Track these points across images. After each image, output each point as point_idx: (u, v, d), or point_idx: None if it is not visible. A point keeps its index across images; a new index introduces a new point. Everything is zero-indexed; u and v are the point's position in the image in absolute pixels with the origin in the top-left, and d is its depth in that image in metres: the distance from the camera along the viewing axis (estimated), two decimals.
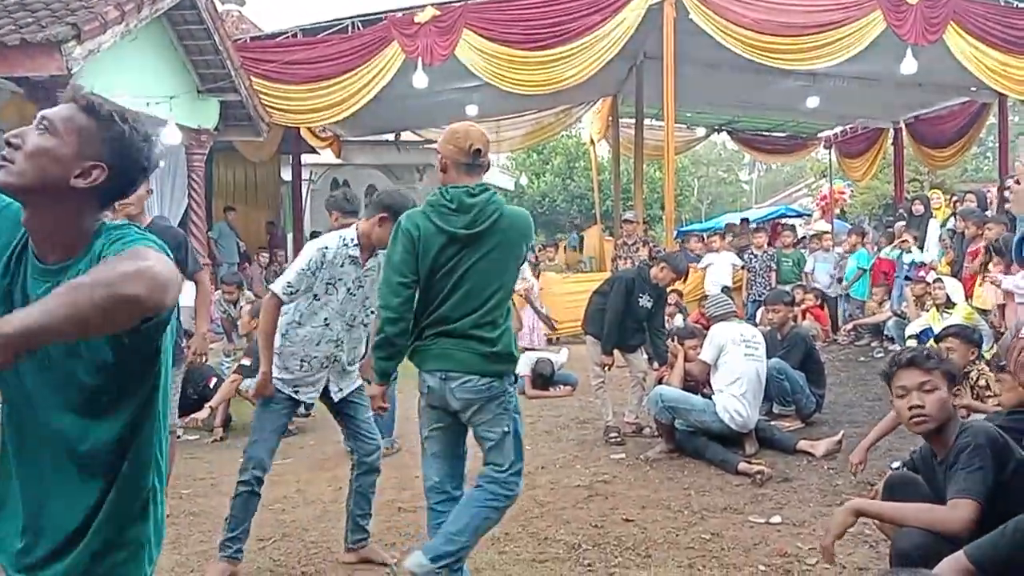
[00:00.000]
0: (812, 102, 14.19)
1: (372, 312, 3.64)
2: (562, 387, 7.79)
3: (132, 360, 1.55)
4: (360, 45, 10.47)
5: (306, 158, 15.42)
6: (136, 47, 8.60)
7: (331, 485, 4.92)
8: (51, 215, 1.55)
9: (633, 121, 14.43)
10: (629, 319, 6.01)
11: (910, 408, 2.70)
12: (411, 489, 4.80)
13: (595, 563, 3.68)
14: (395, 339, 3.12)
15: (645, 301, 5.98)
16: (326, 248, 3.54)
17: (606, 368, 6.04)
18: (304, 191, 15.62)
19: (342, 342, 3.64)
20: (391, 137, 17.11)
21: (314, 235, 18.15)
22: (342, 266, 3.55)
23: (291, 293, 3.50)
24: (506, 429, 3.09)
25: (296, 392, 3.64)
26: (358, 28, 10.60)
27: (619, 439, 5.82)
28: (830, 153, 19.04)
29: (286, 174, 15.29)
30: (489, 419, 3.09)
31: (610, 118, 16.33)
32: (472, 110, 13.79)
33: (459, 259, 3.03)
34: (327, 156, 16.00)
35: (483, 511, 3.08)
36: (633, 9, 10.07)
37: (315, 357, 3.60)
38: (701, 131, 18.91)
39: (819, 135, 18.58)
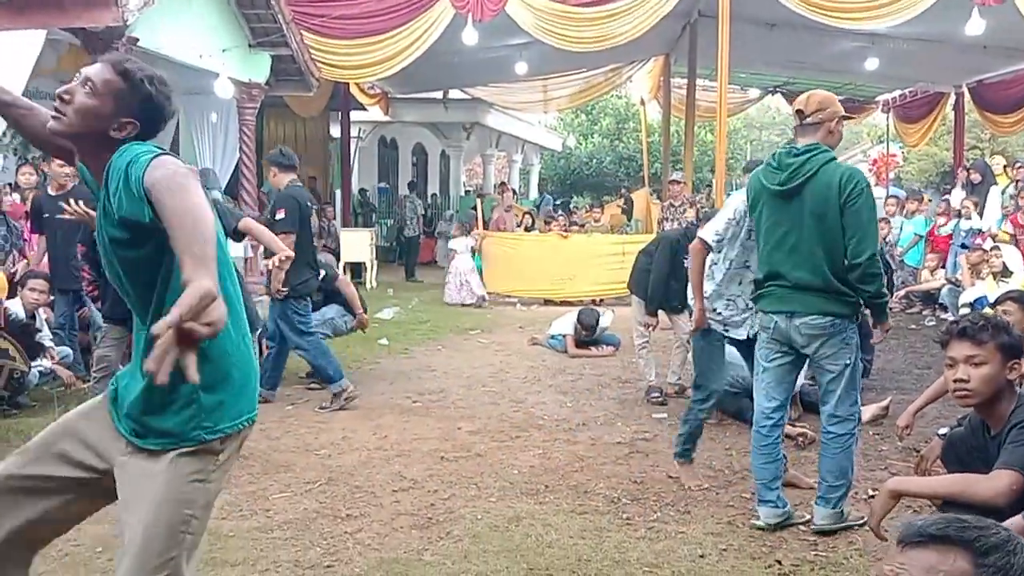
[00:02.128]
0: (871, 64, 13.75)
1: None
2: (604, 347, 7.79)
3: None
4: (409, 0, 10.40)
5: (355, 115, 15.47)
6: (189, 0, 8.67)
7: (375, 434, 5.01)
8: (95, 153, 1.97)
9: (685, 81, 14.16)
10: (675, 280, 5.96)
11: (955, 381, 2.63)
12: (452, 440, 4.89)
13: (634, 517, 3.71)
14: None
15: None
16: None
17: (650, 329, 6.02)
18: (352, 148, 15.71)
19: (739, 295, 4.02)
20: (439, 95, 17.05)
21: (362, 192, 18.31)
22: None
23: (718, 240, 3.90)
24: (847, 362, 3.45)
25: (726, 331, 4.08)
26: None
27: (661, 399, 5.82)
28: (888, 117, 18.51)
29: (335, 131, 15.38)
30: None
31: (661, 78, 16.04)
32: (521, 68, 13.65)
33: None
34: (375, 113, 16.02)
35: (848, 452, 3.51)
36: None
37: (739, 297, 4.00)
38: (755, 93, 18.50)
39: (877, 99, 18.05)
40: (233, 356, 1.98)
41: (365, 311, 6.85)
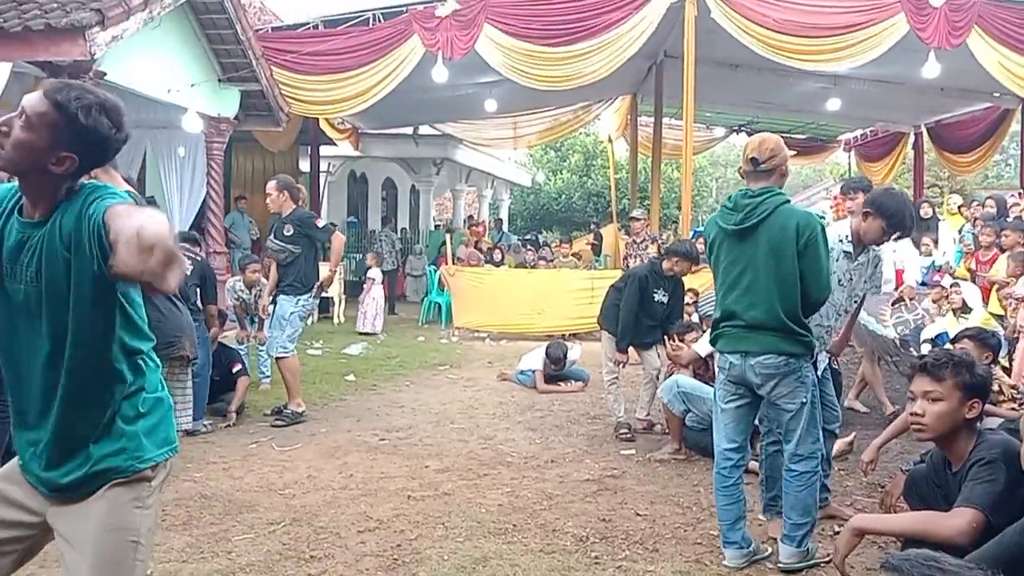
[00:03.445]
0: (833, 104, 14.12)
1: (856, 300, 4.09)
2: (573, 382, 7.79)
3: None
4: (381, 38, 10.50)
5: (324, 150, 15.48)
6: (159, 34, 8.67)
7: (341, 472, 4.94)
8: (36, 187, 1.87)
9: (652, 120, 14.40)
10: (644, 316, 6.01)
11: (911, 415, 2.67)
12: (420, 478, 4.83)
13: (602, 556, 3.68)
14: None
15: (660, 296, 5.98)
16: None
17: (620, 365, 6.04)
18: (322, 182, 15.68)
19: (831, 328, 4.00)
20: (409, 130, 17.13)
21: (332, 225, 18.30)
22: (837, 260, 3.84)
23: None
24: (803, 401, 3.49)
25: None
26: (379, 20, 10.63)
27: (630, 435, 5.82)
28: (849, 156, 18.93)
29: (304, 165, 15.36)
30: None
31: (629, 116, 16.31)
32: (491, 105, 13.80)
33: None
34: (345, 148, 16.04)
35: (811, 489, 3.52)
36: (654, 7, 10.04)
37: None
38: (720, 131, 18.85)
39: (839, 138, 18.48)
40: (156, 386, 2.03)
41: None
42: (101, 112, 1.84)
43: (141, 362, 1.99)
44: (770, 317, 3.41)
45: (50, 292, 1.85)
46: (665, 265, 5.99)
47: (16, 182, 1.92)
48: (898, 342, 5.73)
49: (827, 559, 3.49)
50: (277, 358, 6.28)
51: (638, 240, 11.06)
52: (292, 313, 6.21)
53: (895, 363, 6.33)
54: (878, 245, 3.99)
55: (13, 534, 2.00)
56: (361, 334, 11.29)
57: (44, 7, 7.57)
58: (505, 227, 24.58)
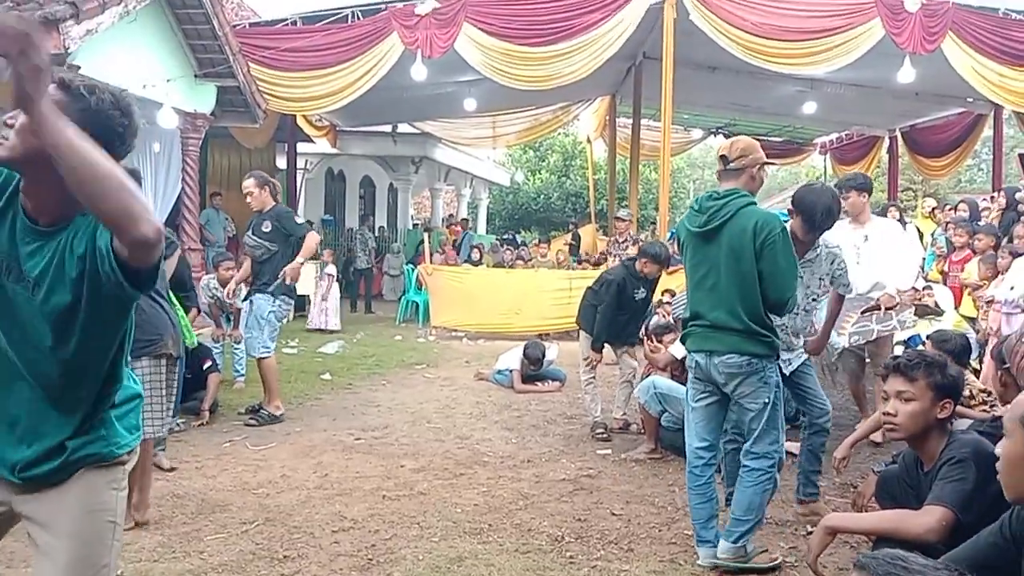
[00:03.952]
0: (809, 108, 14.24)
1: (814, 298, 4.13)
2: (551, 382, 7.80)
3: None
4: (360, 35, 10.45)
5: (301, 147, 15.37)
6: (134, 29, 8.57)
7: (316, 472, 4.91)
8: (41, 181, 1.77)
9: (630, 121, 14.45)
10: (622, 315, 6.04)
11: (884, 414, 2.71)
12: (395, 478, 4.81)
13: (577, 556, 3.68)
14: None
15: (640, 294, 6.04)
16: None
17: (592, 365, 6.06)
18: (299, 180, 15.58)
19: (785, 326, 3.97)
20: (388, 128, 17.06)
21: (308, 223, 18.19)
22: None
23: None
24: (766, 401, 3.49)
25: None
26: (358, 17, 10.58)
27: (606, 435, 5.83)
28: (825, 159, 19.10)
29: (281, 162, 15.25)
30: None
31: (607, 117, 16.36)
32: (470, 104, 13.78)
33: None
34: (323, 145, 15.96)
35: (759, 487, 3.51)
36: (633, 9, 10.08)
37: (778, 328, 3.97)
38: (698, 133, 18.96)
39: (815, 141, 18.65)
40: (127, 376, 2.05)
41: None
42: (101, 92, 1.83)
43: (123, 355, 2.01)
44: (732, 317, 3.45)
45: (57, 307, 1.82)
46: (638, 266, 6.03)
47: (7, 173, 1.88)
48: (839, 351, 5.74)
49: (767, 565, 3.51)
50: (259, 359, 6.22)
51: (620, 240, 11.09)
52: (270, 312, 6.17)
53: (827, 369, 6.38)
54: (814, 242, 4.07)
55: None
56: (319, 331, 11.25)
57: (17, 0, 7.47)
58: (481, 227, 24.57)
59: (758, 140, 3.99)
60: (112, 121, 1.84)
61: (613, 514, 4.24)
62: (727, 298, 3.46)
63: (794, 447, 5.19)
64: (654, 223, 15.37)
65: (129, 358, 2.06)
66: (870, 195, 5.49)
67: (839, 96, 13.39)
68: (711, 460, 3.65)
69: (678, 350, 5.08)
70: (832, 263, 4.14)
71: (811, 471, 4.21)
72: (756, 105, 15.02)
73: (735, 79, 12.70)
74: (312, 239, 6.33)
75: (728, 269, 3.46)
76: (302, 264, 6.20)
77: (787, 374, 4.13)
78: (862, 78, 12.03)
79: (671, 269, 7.35)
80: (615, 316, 6.01)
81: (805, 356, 4.22)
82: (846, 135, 17.66)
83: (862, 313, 5.53)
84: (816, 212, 3.91)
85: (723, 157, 3.58)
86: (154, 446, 4.32)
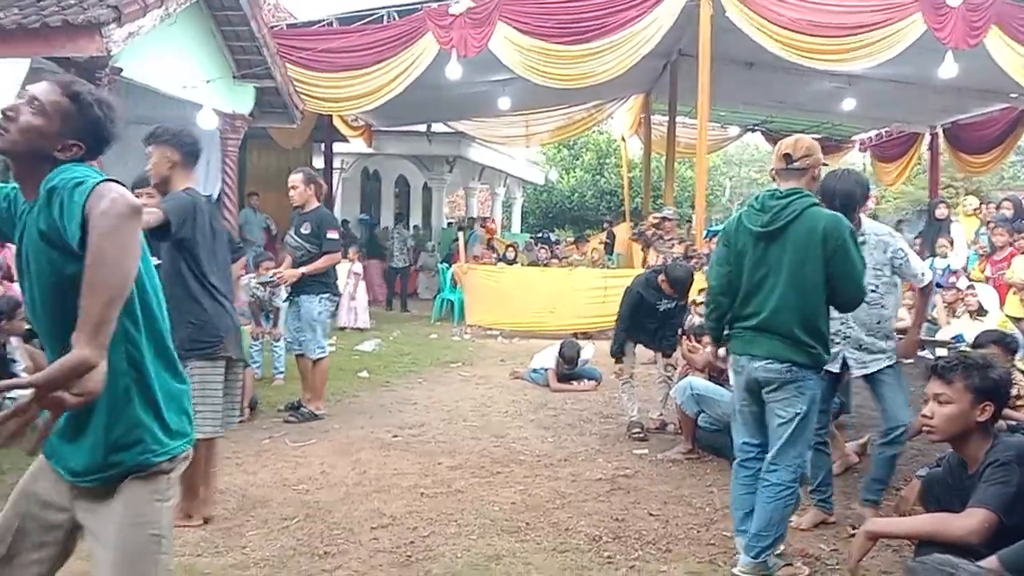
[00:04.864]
0: (848, 104, 14.03)
1: (872, 289, 3.85)
2: (586, 381, 7.79)
3: None
4: (395, 35, 10.52)
5: (337, 147, 15.51)
6: (175, 31, 8.71)
7: (354, 469, 4.96)
8: (33, 171, 1.91)
9: (665, 118, 14.35)
10: (651, 322, 6.04)
11: (921, 416, 2.68)
12: (432, 475, 4.84)
13: (615, 556, 3.68)
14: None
15: (664, 304, 5.98)
16: None
17: (617, 372, 6.08)
18: (335, 180, 15.72)
19: (847, 319, 3.89)
20: (423, 128, 17.14)
21: (343, 223, 18.41)
22: None
23: None
24: (798, 412, 3.38)
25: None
26: (393, 18, 10.65)
27: (642, 435, 5.81)
28: (864, 156, 18.81)
29: (317, 162, 15.40)
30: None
31: (642, 115, 16.27)
32: (504, 103, 13.79)
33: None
34: (358, 145, 16.08)
35: (780, 503, 3.39)
36: (669, 6, 10.01)
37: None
38: (734, 130, 18.78)
39: (854, 138, 18.37)
40: (169, 380, 2.03)
41: None
42: (108, 106, 1.97)
43: (151, 355, 1.97)
44: (779, 322, 3.34)
45: (39, 276, 1.89)
46: (660, 278, 5.98)
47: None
48: None
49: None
50: (316, 360, 6.29)
51: (666, 238, 11.03)
52: (319, 313, 6.21)
53: None
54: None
55: (51, 536, 2.02)
56: (355, 330, 11.33)
57: (62, 3, 7.63)
58: (516, 226, 24.56)
59: None
60: (110, 136, 1.99)
61: (650, 514, 4.23)
62: (783, 302, 3.34)
63: (851, 447, 5.13)
64: (689, 221, 15.26)
65: (165, 357, 2.02)
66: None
67: (879, 92, 13.17)
68: (760, 455, 3.54)
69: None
70: (886, 251, 3.96)
71: (874, 479, 4.10)
72: (793, 101, 14.83)
73: (772, 75, 12.56)
74: (330, 260, 6.20)
75: (790, 272, 3.33)
76: (300, 275, 6.07)
77: (864, 375, 4.03)
78: (902, 74, 11.82)
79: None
80: (643, 323, 6.00)
81: (889, 360, 4.00)
82: (886, 132, 17.37)
83: None
84: (834, 197, 3.81)
85: (787, 155, 3.45)
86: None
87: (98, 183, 1.76)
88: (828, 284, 3.33)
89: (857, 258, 3.34)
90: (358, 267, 12.17)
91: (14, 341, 5.96)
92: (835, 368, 4.03)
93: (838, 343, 3.96)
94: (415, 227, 18.97)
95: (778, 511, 3.37)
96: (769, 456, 3.42)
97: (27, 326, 5.76)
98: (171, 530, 2.04)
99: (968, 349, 4.87)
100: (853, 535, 3.78)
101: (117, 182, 1.80)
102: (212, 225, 3.91)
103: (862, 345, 3.98)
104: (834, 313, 3.71)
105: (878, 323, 3.97)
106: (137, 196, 2.04)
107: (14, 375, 5.65)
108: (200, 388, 3.79)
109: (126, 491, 1.95)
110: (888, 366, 3.99)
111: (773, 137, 18.43)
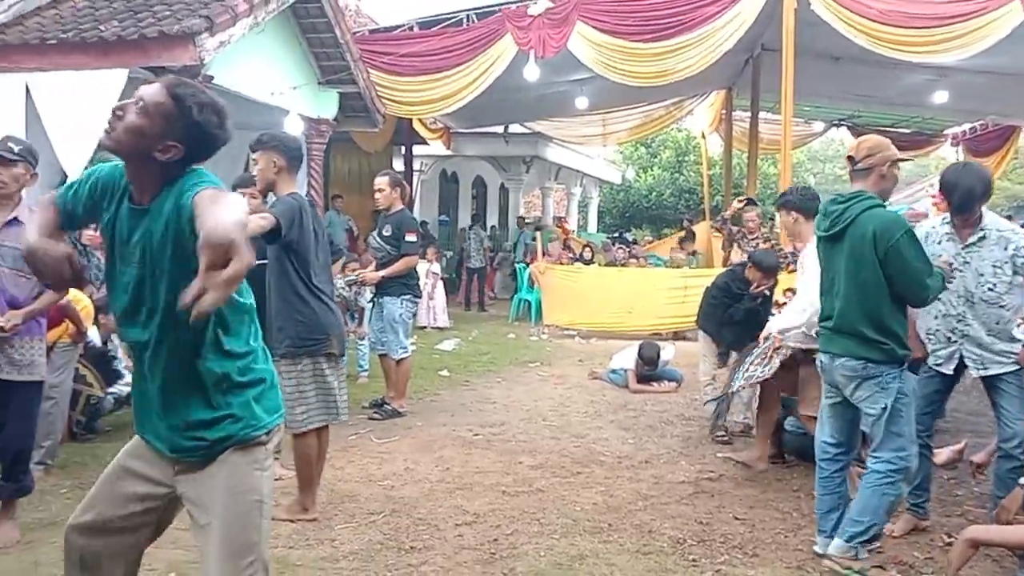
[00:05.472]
0: (940, 97, 13.50)
1: (990, 287, 3.77)
2: (667, 383, 7.71)
3: None
4: (474, 37, 10.61)
5: (417, 149, 15.74)
6: (263, 40, 8.98)
7: (438, 466, 5.04)
8: (141, 171, 2.01)
9: (747, 114, 14.09)
10: (737, 316, 5.92)
11: None
12: (514, 474, 4.88)
13: (700, 559, 3.64)
14: None
15: (747, 302, 5.87)
16: (925, 229, 3.89)
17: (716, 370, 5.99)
18: (415, 181, 15.96)
19: (964, 316, 3.81)
20: (500, 129, 17.24)
21: (423, 224, 18.71)
22: (939, 243, 3.83)
23: None
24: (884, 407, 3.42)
25: (938, 365, 3.92)
26: (473, 21, 10.74)
27: (726, 438, 5.73)
28: (957, 151, 18.09)
29: (398, 164, 15.66)
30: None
31: (723, 111, 16.00)
32: (582, 103, 13.75)
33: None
34: (437, 147, 16.27)
35: (878, 490, 3.43)
36: (752, 0, 9.82)
37: (937, 331, 3.90)
38: (819, 126, 18.28)
39: (946, 132, 17.67)
40: (264, 359, 2.19)
41: None
42: (212, 111, 2.01)
43: (244, 341, 2.13)
44: (847, 322, 3.46)
45: (153, 273, 2.00)
46: (746, 271, 5.88)
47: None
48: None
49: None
50: (399, 360, 6.43)
51: (750, 236, 10.83)
52: (401, 314, 6.35)
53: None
54: (974, 225, 3.77)
55: (146, 506, 2.17)
56: (433, 329, 11.45)
57: (158, 15, 7.95)
58: (592, 226, 24.40)
59: (883, 131, 3.88)
60: (214, 136, 2.04)
61: (736, 518, 4.17)
62: (847, 303, 3.47)
63: (946, 453, 4.93)
64: (772, 218, 14.95)
65: (254, 341, 2.16)
66: (805, 216, 4.63)
67: (972, 84, 12.63)
68: (839, 456, 3.64)
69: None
70: (1006, 248, 3.76)
71: (996, 496, 3.85)
72: (881, 95, 14.34)
73: (859, 69, 12.17)
74: (407, 262, 6.32)
75: (849, 274, 3.45)
76: (379, 277, 6.29)
77: (983, 377, 3.86)
78: (998, 64, 11.29)
79: (792, 268, 7.13)
80: (728, 319, 5.91)
81: (1012, 366, 3.81)
82: (980, 125, 16.66)
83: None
84: (953, 192, 3.76)
85: (850, 158, 3.56)
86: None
87: (198, 191, 1.90)
88: (889, 283, 3.38)
89: (913, 257, 3.34)
90: (436, 267, 12.32)
91: (115, 339, 6.26)
92: (948, 370, 3.89)
93: (955, 341, 3.84)
94: (492, 227, 19.09)
95: (875, 498, 3.42)
96: (873, 446, 3.52)
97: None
98: (271, 497, 2.19)
99: None
100: (949, 544, 3.66)
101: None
102: (315, 228, 4.05)
103: (982, 344, 3.80)
104: (951, 311, 3.78)
105: (997, 323, 3.79)
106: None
107: (116, 371, 5.93)
108: (312, 383, 3.99)
109: (229, 462, 2.09)
110: (1011, 372, 3.80)
111: (860, 132, 17.84)
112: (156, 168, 1.98)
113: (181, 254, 1.92)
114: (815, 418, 3.98)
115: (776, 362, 4.78)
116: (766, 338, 4.88)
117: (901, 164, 3.63)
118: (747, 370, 4.94)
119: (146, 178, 2.01)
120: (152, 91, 1.98)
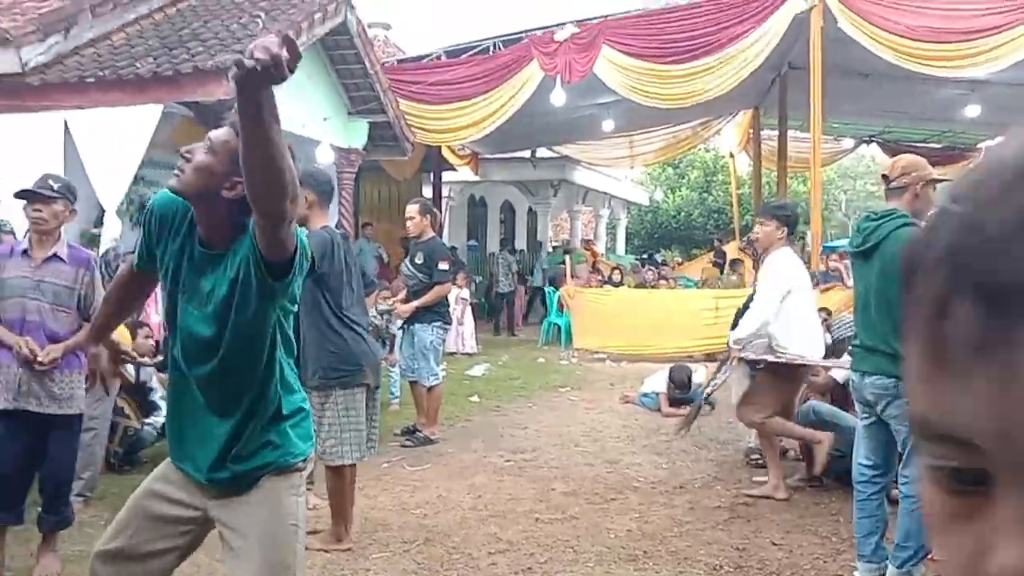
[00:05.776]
0: (972, 111, 13.35)
1: None
2: None
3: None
4: (501, 64, 10.71)
5: (445, 176, 15.85)
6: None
7: (470, 493, 5.03)
8: (210, 213, 2.06)
9: (775, 132, 14.03)
10: None
11: None
12: (547, 501, 4.85)
13: None
14: None
15: None
16: None
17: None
18: (443, 208, 16.06)
19: None
20: (527, 154, 17.33)
21: (452, 250, 18.74)
22: None
23: None
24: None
25: None
26: (499, 48, 10.85)
27: (761, 461, 5.64)
28: None
29: (427, 191, 15.77)
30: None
31: (751, 130, 15.95)
32: (608, 125, 13.80)
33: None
34: (465, 173, 16.38)
35: (916, 515, 3.38)
36: (778, 19, 9.81)
37: None
38: (849, 143, 18.15)
39: (979, 146, 17.42)
40: (300, 394, 2.27)
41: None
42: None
43: (288, 375, 2.21)
44: (878, 340, 3.47)
45: (216, 307, 2.05)
46: None
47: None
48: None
49: None
50: (430, 387, 6.46)
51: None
52: (432, 341, 6.40)
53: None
54: None
55: (177, 529, 2.20)
56: (462, 354, 11.43)
57: (191, 51, 8.14)
58: (620, 247, 24.34)
59: (914, 147, 3.91)
60: None
61: (773, 544, 4.11)
62: (878, 320, 3.48)
63: None
64: (803, 237, 14.83)
65: (291, 372, 2.23)
66: (787, 228, 4.68)
67: (1006, 97, 12.47)
68: (875, 478, 3.63)
69: (839, 373, 4.89)
70: None
71: None
72: (912, 111, 14.21)
73: (888, 85, 12.09)
74: (439, 291, 6.37)
75: (878, 292, 3.48)
76: (414, 309, 6.32)
77: None
78: None
79: (824, 287, 7.06)
80: None
81: None
82: None
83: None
84: None
85: (884, 176, 3.62)
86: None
87: None
88: None
89: None
90: (465, 293, 12.34)
91: (150, 370, 6.34)
92: None
93: None
94: (520, 251, 19.14)
95: (915, 523, 3.41)
96: (899, 468, 3.53)
97: (159, 356, 6.11)
98: (305, 522, 2.25)
99: None
100: None
101: None
102: (347, 260, 4.08)
103: None
104: None
105: None
106: None
107: (153, 403, 6.00)
108: (345, 415, 3.99)
109: (265, 487, 2.14)
110: None
111: (890, 148, 17.65)
112: (223, 208, 2.03)
113: (246, 292, 2.02)
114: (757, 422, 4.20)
115: (741, 369, 4.92)
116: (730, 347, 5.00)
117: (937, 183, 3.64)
118: (715, 378, 5.11)
119: (216, 220, 2.05)
120: (219, 132, 2.06)
